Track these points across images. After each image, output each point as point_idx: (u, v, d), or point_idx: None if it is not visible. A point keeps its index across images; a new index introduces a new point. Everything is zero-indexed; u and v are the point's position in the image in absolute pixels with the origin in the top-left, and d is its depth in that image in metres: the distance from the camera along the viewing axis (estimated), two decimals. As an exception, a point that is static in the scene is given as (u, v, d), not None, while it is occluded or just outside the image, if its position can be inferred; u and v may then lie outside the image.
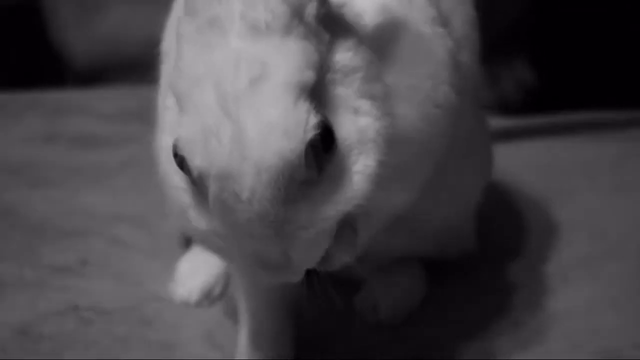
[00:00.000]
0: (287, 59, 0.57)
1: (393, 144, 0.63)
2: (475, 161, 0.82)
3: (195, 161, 0.57)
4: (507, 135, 1.15)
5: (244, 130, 0.56)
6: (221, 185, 0.56)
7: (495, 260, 0.89)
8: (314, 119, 0.57)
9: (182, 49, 0.59)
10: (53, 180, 1.05)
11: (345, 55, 0.61)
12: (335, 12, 0.63)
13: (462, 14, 0.77)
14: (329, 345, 0.77)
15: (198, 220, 0.61)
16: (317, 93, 0.58)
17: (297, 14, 0.58)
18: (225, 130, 0.56)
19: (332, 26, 0.61)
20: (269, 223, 0.56)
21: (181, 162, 0.58)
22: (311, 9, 0.59)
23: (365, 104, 0.61)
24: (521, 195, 1.02)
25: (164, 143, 0.63)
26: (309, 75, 0.58)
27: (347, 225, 0.61)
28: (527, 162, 1.10)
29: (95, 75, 1.58)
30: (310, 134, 0.56)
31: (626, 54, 1.35)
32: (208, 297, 0.84)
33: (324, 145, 0.58)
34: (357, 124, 0.60)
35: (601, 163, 1.09)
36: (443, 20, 0.71)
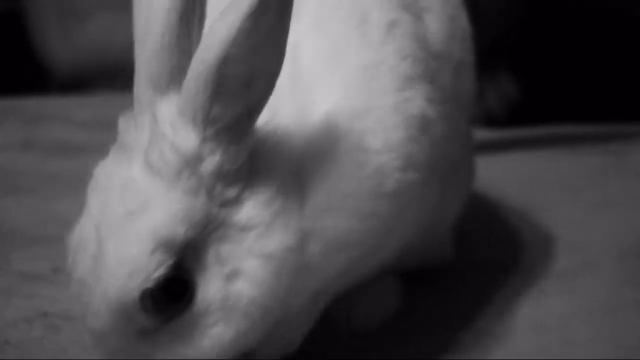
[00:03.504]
0: (164, 209, 0.58)
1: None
2: (459, 174, 0.82)
3: (69, 258, 0.60)
4: (490, 147, 1.15)
5: (104, 254, 0.58)
6: (78, 291, 0.59)
7: (472, 271, 0.88)
8: (159, 273, 0.57)
9: (109, 153, 0.62)
10: (28, 187, 1.04)
11: (247, 213, 0.60)
12: (266, 156, 0.61)
13: (459, 33, 0.78)
14: (307, 353, 0.76)
15: None
16: (192, 248, 0.59)
17: (189, 166, 0.58)
18: (91, 247, 0.59)
19: (250, 175, 0.60)
20: (108, 341, 0.59)
21: None
22: (209, 165, 0.59)
23: (250, 266, 0.60)
24: (501, 207, 1.02)
25: None
26: (179, 233, 0.58)
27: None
28: (509, 174, 1.10)
29: (79, 83, 1.58)
30: (148, 284, 0.57)
31: (608, 68, 1.35)
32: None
33: (170, 299, 0.58)
34: (227, 289, 0.60)
35: (583, 176, 1.09)
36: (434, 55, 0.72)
